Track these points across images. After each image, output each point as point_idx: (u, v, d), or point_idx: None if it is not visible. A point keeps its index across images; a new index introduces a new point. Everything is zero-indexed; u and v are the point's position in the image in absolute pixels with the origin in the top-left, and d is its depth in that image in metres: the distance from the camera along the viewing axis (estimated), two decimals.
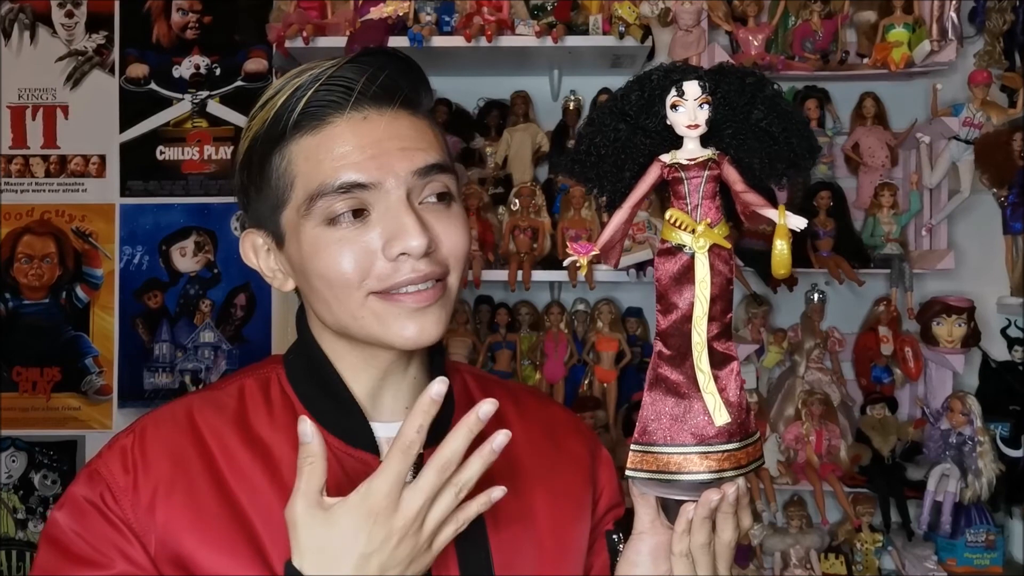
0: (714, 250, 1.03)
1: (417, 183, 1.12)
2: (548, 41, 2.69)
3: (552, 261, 2.80)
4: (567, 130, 2.96)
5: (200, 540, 1.09)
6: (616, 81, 2.87)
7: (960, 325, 2.76)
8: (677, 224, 1.03)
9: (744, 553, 2.78)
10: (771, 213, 1.00)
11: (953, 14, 2.77)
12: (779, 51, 2.87)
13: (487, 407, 0.97)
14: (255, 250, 1.21)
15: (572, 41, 2.73)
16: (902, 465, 2.78)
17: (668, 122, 1.02)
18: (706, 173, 1.02)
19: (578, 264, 1.04)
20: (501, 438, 0.98)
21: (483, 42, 2.68)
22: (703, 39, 2.78)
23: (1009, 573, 2.78)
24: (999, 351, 2.94)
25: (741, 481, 1.05)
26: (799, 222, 0.99)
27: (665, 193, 1.07)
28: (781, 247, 1.00)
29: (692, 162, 1.02)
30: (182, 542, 1.09)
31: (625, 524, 1.25)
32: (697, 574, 1.09)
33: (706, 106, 1.00)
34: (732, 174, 1.03)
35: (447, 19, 2.74)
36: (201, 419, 1.18)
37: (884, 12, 2.83)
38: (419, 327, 1.12)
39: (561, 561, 1.26)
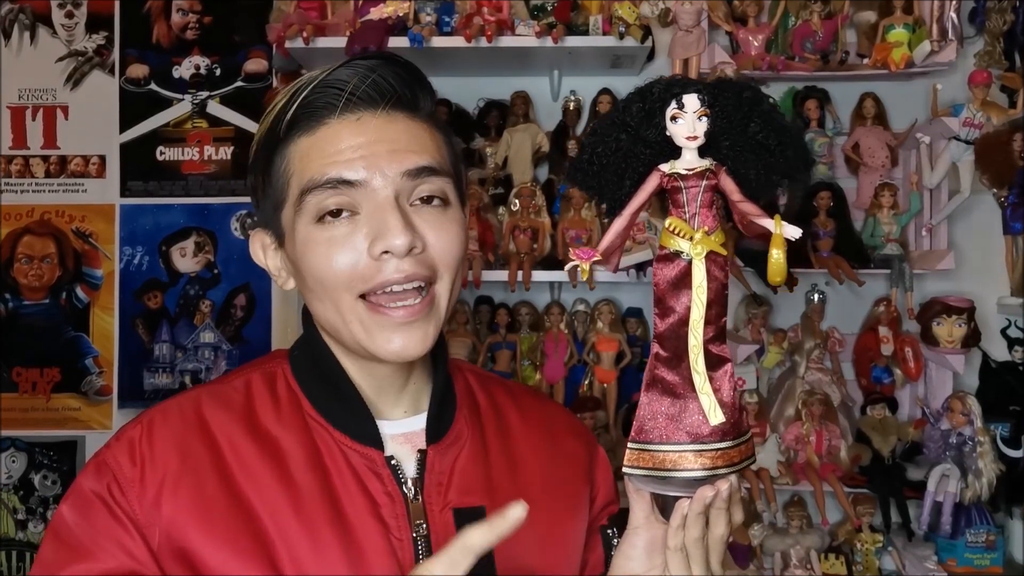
0: (711, 257, 1.05)
1: (406, 185, 1.13)
2: (548, 41, 2.69)
3: (552, 261, 2.80)
4: (567, 130, 2.96)
5: (205, 535, 1.10)
6: (616, 81, 2.91)
7: (960, 325, 2.76)
8: (676, 231, 1.05)
9: (744, 553, 2.78)
10: (767, 223, 1.03)
11: (953, 14, 2.77)
12: (779, 51, 2.87)
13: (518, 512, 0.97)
14: (263, 248, 1.24)
15: (572, 41, 2.73)
16: (902, 465, 2.78)
17: (668, 133, 1.04)
18: (704, 183, 1.05)
19: (580, 269, 1.05)
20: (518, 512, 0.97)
21: (483, 42, 2.68)
22: (703, 39, 2.78)
23: (1009, 573, 2.79)
24: (999, 351, 2.94)
25: (733, 478, 1.08)
26: (794, 232, 1.02)
27: (666, 200, 1.08)
28: (777, 256, 1.02)
29: (690, 172, 1.05)
30: (187, 536, 1.10)
31: (619, 521, 1.26)
32: (690, 567, 1.11)
33: (705, 119, 1.02)
34: (729, 184, 1.05)
35: (447, 19, 2.74)
36: (209, 413, 1.19)
37: (884, 12, 2.83)
38: (404, 342, 1.14)
39: (560, 556, 1.28)
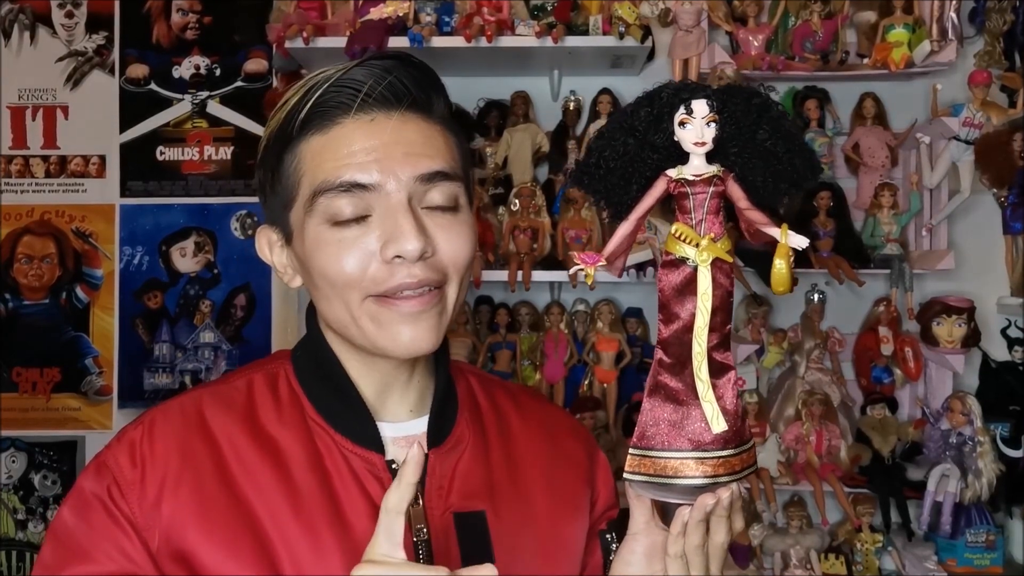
0: (716, 263, 1.04)
1: (419, 188, 1.12)
2: (548, 41, 2.69)
3: (552, 261, 2.80)
4: (567, 130, 2.95)
5: (204, 536, 1.10)
6: (616, 81, 2.91)
7: (960, 325, 2.77)
8: (681, 238, 1.05)
9: (744, 553, 2.78)
10: (774, 231, 1.02)
11: (953, 14, 2.77)
12: (779, 51, 2.87)
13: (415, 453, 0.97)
14: (270, 245, 1.24)
15: (572, 41, 2.72)
16: (902, 465, 2.78)
17: (675, 138, 1.04)
18: (711, 189, 1.04)
19: (584, 273, 1.05)
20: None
21: (483, 42, 2.68)
22: (703, 39, 2.77)
23: (1009, 573, 2.79)
24: (999, 351, 2.94)
25: (735, 485, 1.08)
26: (801, 241, 1.02)
27: (670, 204, 1.08)
28: (780, 266, 1.02)
29: (698, 178, 1.04)
30: (186, 537, 1.10)
31: (618, 524, 1.26)
32: (691, 574, 1.11)
33: (713, 124, 1.02)
34: (736, 191, 1.05)
35: (447, 19, 2.73)
36: (210, 414, 1.18)
37: (884, 12, 2.83)
38: (413, 333, 1.13)
39: (559, 559, 1.27)
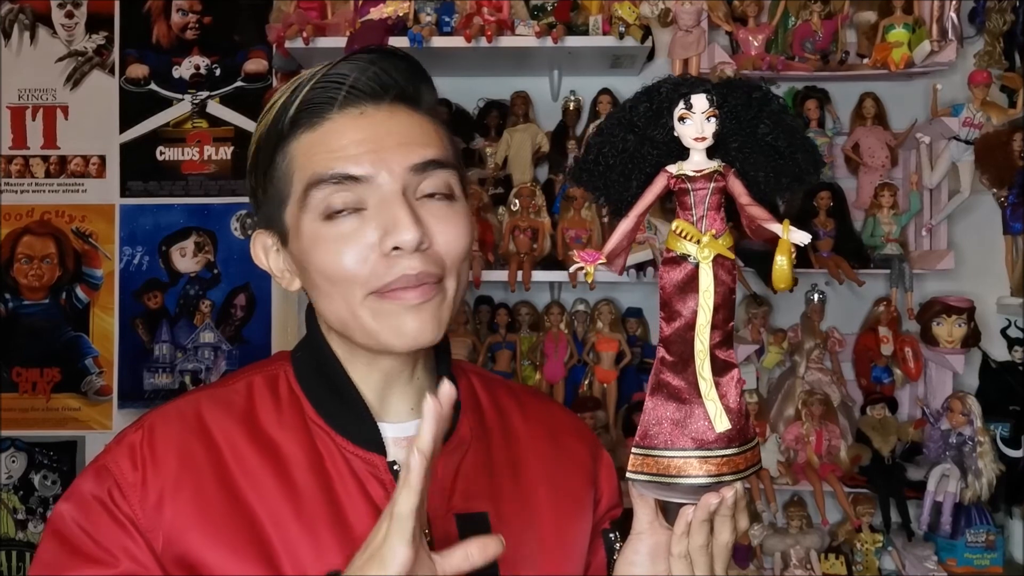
0: (718, 260, 1.03)
1: (413, 179, 1.12)
2: (548, 41, 2.69)
3: (552, 261, 2.80)
4: (567, 130, 2.95)
5: (206, 540, 1.09)
6: (616, 81, 2.91)
7: (960, 325, 2.76)
8: (682, 234, 1.04)
9: (744, 553, 2.78)
10: (775, 227, 1.01)
11: (953, 14, 2.77)
12: (779, 51, 2.87)
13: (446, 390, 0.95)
14: (265, 251, 1.22)
15: (572, 41, 2.73)
16: (902, 465, 2.78)
17: (675, 134, 1.02)
18: (712, 185, 1.03)
19: (584, 271, 1.04)
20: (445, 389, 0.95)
21: (483, 42, 2.68)
22: (703, 39, 2.78)
23: (1009, 573, 2.79)
24: (999, 351, 2.94)
25: (739, 485, 1.06)
26: (803, 237, 1.00)
27: (669, 203, 1.07)
28: (781, 262, 1.00)
29: (698, 174, 1.03)
30: (188, 541, 1.09)
31: (622, 524, 1.26)
32: (695, 574, 1.10)
33: (713, 119, 1.01)
34: (737, 187, 1.04)
35: (447, 19, 2.73)
36: (210, 417, 1.17)
37: (884, 12, 2.83)
38: (417, 325, 1.11)
39: (563, 559, 1.26)
